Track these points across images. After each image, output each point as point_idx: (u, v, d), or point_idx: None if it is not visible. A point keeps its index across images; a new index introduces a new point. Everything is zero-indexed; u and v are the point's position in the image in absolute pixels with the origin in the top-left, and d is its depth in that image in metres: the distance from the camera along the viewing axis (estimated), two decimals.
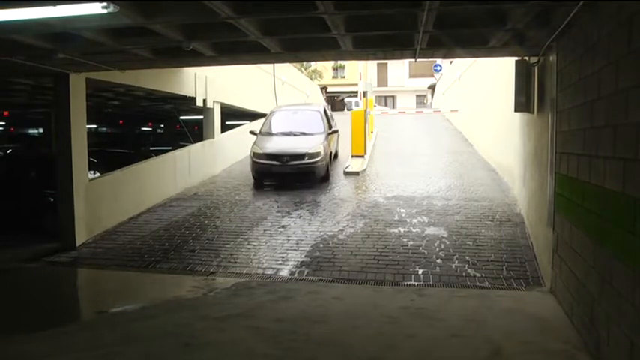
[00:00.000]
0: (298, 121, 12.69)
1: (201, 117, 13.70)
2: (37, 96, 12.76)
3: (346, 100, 32.99)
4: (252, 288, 6.30)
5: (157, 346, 4.54)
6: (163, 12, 5.13)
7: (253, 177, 11.68)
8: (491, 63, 10.89)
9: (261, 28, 5.77)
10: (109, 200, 9.13)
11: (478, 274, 6.44)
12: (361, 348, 4.44)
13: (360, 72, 19.47)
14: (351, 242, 7.78)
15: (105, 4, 4.21)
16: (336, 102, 34.88)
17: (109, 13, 4.33)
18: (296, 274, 6.76)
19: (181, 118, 18.02)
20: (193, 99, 12.08)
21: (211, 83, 12.54)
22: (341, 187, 11.46)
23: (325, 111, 13.47)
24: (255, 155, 11.40)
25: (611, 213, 3.58)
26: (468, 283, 6.27)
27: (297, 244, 7.81)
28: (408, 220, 8.62)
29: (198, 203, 10.51)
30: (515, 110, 7.19)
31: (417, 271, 6.63)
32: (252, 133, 12.53)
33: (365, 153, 14.20)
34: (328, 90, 38.06)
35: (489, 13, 5.33)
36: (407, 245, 7.52)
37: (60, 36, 5.87)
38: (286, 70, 20.65)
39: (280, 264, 7.11)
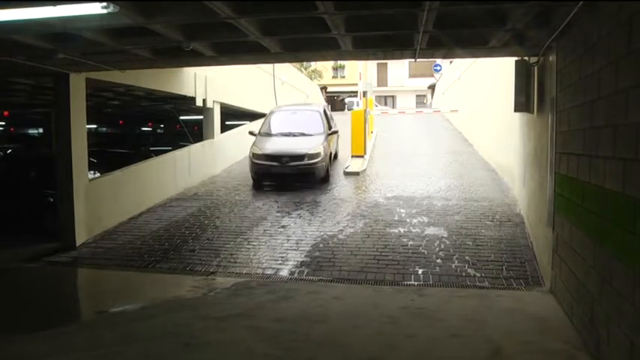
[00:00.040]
0: (298, 121, 12.63)
1: (201, 117, 13.70)
2: (37, 96, 12.76)
3: (347, 100, 32.97)
4: (252, 288, 6.30)
5: (156, 346, 4.54)
6: (163, 12, 5.13)
7: (252, 178, 11.64)
8: (491, 63, 10.89)
9: (261, 28, 5.77)
10: (109, 200, 9.13)
11: (478, 274, 6.44)
12: (361, 348, 4.44)
13: (360, 72, 19.54)
14: (351, 242, 7.78)
15: (105, 4, 4.21)
16: (336, 102, 34.89)
17: (109, 13, 4.33)
18: (296, 274, 6.76)
19: (181, 118, 18.01)
20: (193, 99, 12.07)
21: (211, 83, 12.53)
22: (341, 187, 11.45)
23: (325, 111, 13.42)
24: (254, 156, 11.34)
25: (611, 213, 3.58)
26: (468, 283, 6.27)
27: (297, 244, 7.81)
28: (407, 220, 8.62)
29: (198, 203, 10.51)
30: (515, 110, 7.19)
31: (417, 271, 6.64)
32: (251, 133, 12.47)
33: (365, 153, 14.20)
34: (328, 90, 38.10)
35: (489, 13, 5.33)
36: (407, 245, 7.53)
37: (60, 36, 5.87)
38: (286, 70, 20.63)
39: (280, 264, 7.11)
